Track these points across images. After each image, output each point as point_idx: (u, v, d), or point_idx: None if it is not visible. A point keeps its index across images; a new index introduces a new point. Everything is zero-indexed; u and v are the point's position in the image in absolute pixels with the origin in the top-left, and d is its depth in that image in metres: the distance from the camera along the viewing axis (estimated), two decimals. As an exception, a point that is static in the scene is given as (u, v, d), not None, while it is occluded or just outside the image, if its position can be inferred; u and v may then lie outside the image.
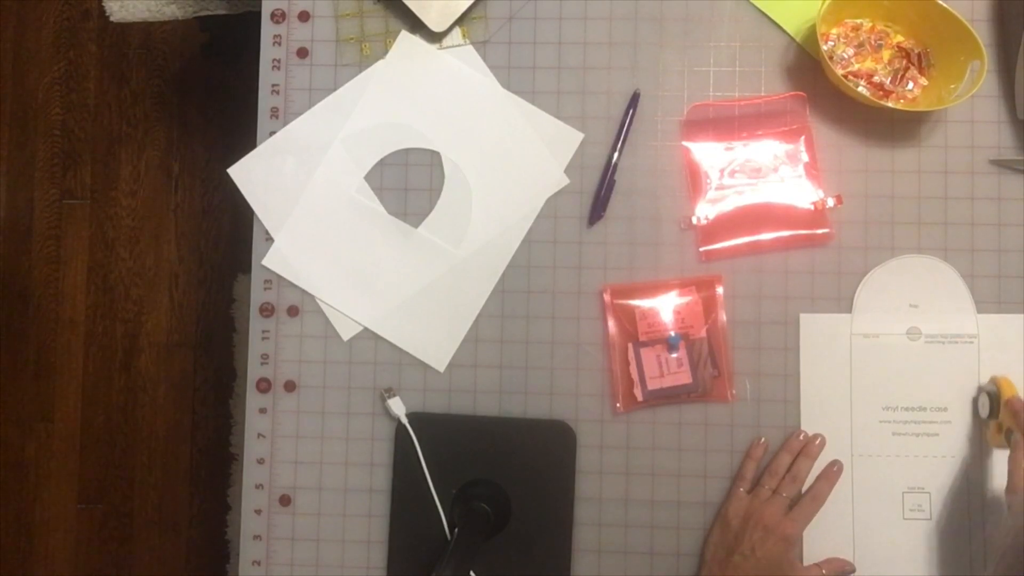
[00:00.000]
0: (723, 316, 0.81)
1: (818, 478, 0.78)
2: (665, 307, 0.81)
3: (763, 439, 0.80)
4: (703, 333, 0.81)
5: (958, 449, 0.79)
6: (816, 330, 0.81)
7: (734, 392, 0.81)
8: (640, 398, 0.80)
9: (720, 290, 0.81)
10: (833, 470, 0.79)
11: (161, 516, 1.59)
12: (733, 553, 0.76)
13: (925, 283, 0.81)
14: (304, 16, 0.86)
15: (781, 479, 0.78)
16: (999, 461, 0.78)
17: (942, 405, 0.80)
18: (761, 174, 0.82)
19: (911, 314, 0.80)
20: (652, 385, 0.80)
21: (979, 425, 0.79)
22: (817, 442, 0.79)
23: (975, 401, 0.79)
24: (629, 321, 0.81)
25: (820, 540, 0.79)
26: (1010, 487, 0.71)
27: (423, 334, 0.83)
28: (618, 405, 0.81)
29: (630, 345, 0.81)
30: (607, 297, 0.82)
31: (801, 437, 0.79)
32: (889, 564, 0.79)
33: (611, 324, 0.81)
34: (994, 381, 0.78)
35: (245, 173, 0.85)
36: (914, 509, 0.79)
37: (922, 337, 0.80)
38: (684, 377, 0.80)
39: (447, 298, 0.83)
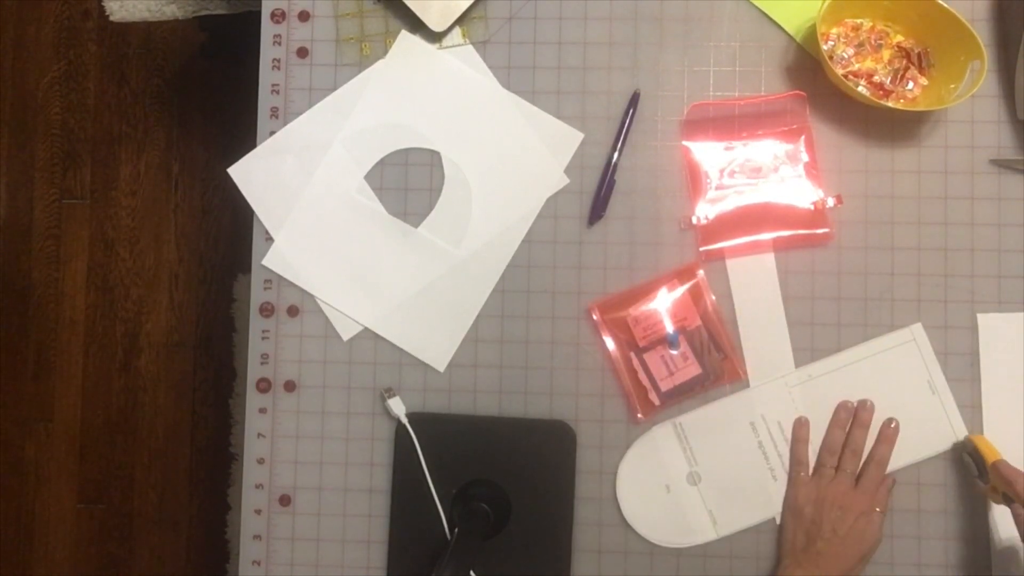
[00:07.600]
0: (712, 298, 0.81)
1: (876, 442, 0.77)
2: (655, 307, 0.81)
3: (803, 416, 0.79)
4: (698, 321, 0.80)
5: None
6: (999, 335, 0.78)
7: (746, 369, 0.80)
8: (657, 402, 0.80)
9: (701, 273, 0.80)
10: (891, 427, 0.77)
11: (161, 516, 1.59)
12: (815, 540, 0.74)
13: None
14: (304, 16, 0.86)
15: (840, 455, 0.76)
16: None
17: None
18: (761, 174, 0.82)
19: None
20: (664, 386, 0.80)
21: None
22: (868, 405, 0.77)
23: (960, 459, 0.78)
24: (624, 331, 0.81)
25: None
26: None
27: (423, 334, 0.83)
28: (639, 415, 0.80)
29: (632, 354, 0.80)
30: (596, 316, 0.81)
31: (849, 406, 0.78)
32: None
33: (608, 340, 0.81)
34: (971, 441, 0.76)
35: (245, 173, 0.85)
36: None
37: None
38: (693, 369, 0.80)
39: (447, 298, 0.83)
